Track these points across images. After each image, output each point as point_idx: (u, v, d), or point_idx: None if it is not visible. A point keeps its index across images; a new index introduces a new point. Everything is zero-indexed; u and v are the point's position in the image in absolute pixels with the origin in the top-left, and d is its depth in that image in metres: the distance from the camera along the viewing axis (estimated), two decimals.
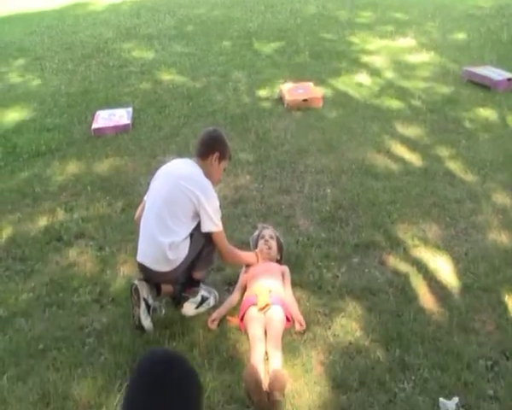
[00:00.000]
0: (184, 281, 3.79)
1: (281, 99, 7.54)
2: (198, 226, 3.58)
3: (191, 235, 3.57)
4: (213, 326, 3.64)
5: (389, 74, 8.36)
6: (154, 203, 3.64)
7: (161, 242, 3.48)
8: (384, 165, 5.75)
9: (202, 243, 3.62)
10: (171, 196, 3.57)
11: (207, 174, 3.67)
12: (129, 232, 4.68)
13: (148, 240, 3.60)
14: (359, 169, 5.67)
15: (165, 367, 1.66)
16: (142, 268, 3.64)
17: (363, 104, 7.30)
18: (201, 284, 3.88)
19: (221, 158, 3.76)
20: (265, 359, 3.33)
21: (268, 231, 4.25)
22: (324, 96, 7.48)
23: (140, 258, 3.64)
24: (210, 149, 3.72)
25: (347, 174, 5.59)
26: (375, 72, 8.45)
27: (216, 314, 3.70)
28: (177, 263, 3.54)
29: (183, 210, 3.54)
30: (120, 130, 6.85)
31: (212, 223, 3.58)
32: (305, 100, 7.29)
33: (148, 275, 3.64)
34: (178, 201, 3.54)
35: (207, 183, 3.63)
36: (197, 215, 3.56)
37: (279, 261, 4.18)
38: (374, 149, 6.08)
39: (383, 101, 7.38)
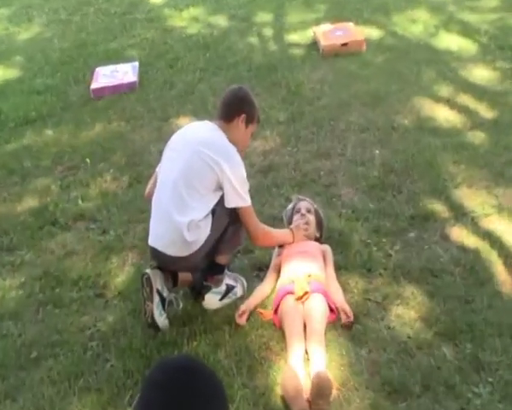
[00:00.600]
0: (205, 267, 3.74)
1: (315, 44, 7.39)
2: (221, 201, 3.52)
3: (213, 211, 3.52)
4: (242, 321, 3.57)
5: (448, 6, 8.12)
6: (168, 175, 3.59)
7: (178, 221, 3.44)
8: (444, 117, 5.58)
9: (227, 220, 3.57)
10: (188, 165, 3.51)
11: (232, 140, 3.63)
12: (138, 211, 4.63)
13: (161, 219, 3.56)
14: (413, 124, 5.52)
15: (181, 378, 1.57)
16: (155, 254, 3.60)
17: (417, 45, 7.12)
18: (226, 271, 3.82)
19: (248, 120, 3.71)
20: (306, 359, 3.26)
21: (304, 204, 4.18)
22: (368, 38, 7.31)
23: (152, 241, 3.60)
24: (235, 109, 3.68)
25: (399, 131, 5.45)
26: (430, 4, 8.21)
27: (244, 307, 3.62)
28: (197, 246, 3.48)
29: (203, 182, 3.49)
30: (125, 89, 6.78)
31: (239, 196, 3.52)
32: (344, 44, 7.14)
33: (163, 262, 3.60)
34: (198, 171, 3.49)
35: (232, 149, 3.58)
36: (220, 188, 3.50)
37: (319, 239, 4.10)
38: (431, 99, 5.91)
39: (441, 39, 7.19)
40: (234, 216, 3.58)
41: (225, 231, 3.59)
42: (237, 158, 3.57)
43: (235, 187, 3.49)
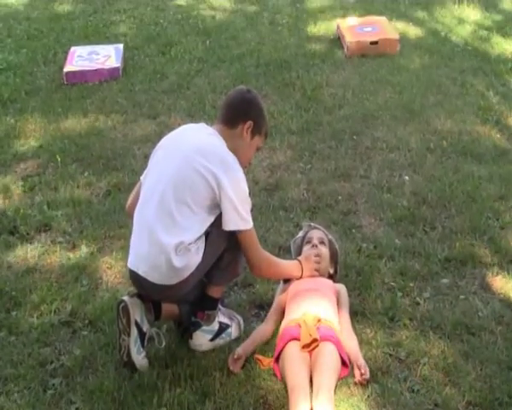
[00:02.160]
0: (195, 300, 3.77)
1: (339, 40, 7.47)
2: (217, 222, 3.55)
3: (207, 234, 3.56)
4: (236, 368, 3.60)
5: (504, 4, 8.18)
6: (155, 186, 3.62)
7: (164, 242, 3.46)
8: (492, 142, 5.67)
9: (223, 245, 3.60)
10: (180, 176, 3.55)
11: (233, 150, 3.65)
12: (116, 226, 4.67)
13: (144, 238, 3.58)
14: (454, 147, 5.60)
15: None
16: (136, 279, 3.62)
17: (463, 50, 7.21)
18: (220, 306, 3.86)
19: (255, 131, 3.75)
20: None
21: (317, 233, 4.22)
22: (403, 37, 7.40)
23: (132, 264, 3.62)
24: (241, 114, 3.72)
25: (435, 154, 5.54)
26: (482, 0, 8.29)
27: (240, 351, 3.64)
28: (186, 274, 3.51)
29: (196, 198, 3.51)
30: (106, 76, 6.86)
31: (239, 217, 3.54)
32: (374, 42, 7.23)
33: (144, 289, 3.62)
34: (191, 184, 3.51)
35: (233, 160, 3.60)
36: (216, 206, 3.53)
37: (332, 277, 4.14)
38: (476, 118, 6.00)
39: (494, 44, 7.27)
40: (232, 241, 3.60)
41: (221, 257, 3.63)
42: (239, 170, 3.59)
43: (236, 206, 3.51)
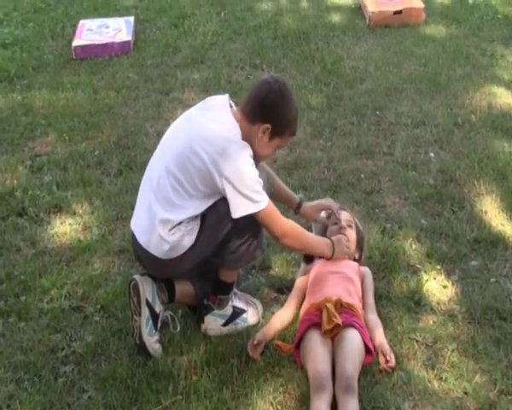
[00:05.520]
0: (207, 284, 3.78)
1: (360, 10, 7.42)
2: (215, 206, 3.52)
3: (203, 218, 3.54)
4: (255, 355, 3.60)
5: None
6: (158, 162, 3.66)
7: (155, 211, 3.49)
8: None
9: (224, 230, 3.56)
10: (180, 156, 3.50)
11: (249, 143, 3.54)
12: (128, 206, 4.66)
13: (143, 205, 3.64)
14: (483, 121, 5.57)
15: None
16: (134, 243, 3.66)
17: (492, 18, 7.17)
18: (236, 290, 3.86)
19: (274, 133, 3.60)
20: (333, 409, 3.26)
21: (344, 215, 4.14)
22: (428, 5, 7.36)
23: (132, 224, 3.70)
24: (260, 115, 3.56)
25: (463, 129, 5.51)
26: None
27: (259, 337, 3.64)
28: (177, 253, 3.52)
29: (191, 181, 3.46)
30: (116, 50, 6.87)
31: (250, 201, 3.45)
32: (397, 12, 7.20)
33: (142, 260, 3.67)
34: (189, 166, 3.46)
35: (237, 146, 3.47)
36: (216, 193, 3.48)
37: (357, 260, 4.11)
38: (507, 91, 5.97)
39: None
40: (239, 225, 3.53)
41: (229, 240, 3.60)
42: (243, 155, 3.47)
43: (242, 192, 3.43)
